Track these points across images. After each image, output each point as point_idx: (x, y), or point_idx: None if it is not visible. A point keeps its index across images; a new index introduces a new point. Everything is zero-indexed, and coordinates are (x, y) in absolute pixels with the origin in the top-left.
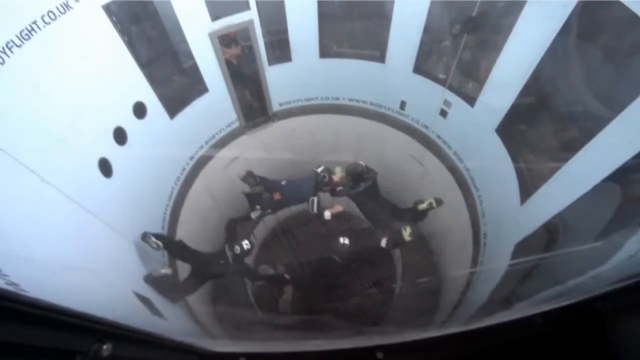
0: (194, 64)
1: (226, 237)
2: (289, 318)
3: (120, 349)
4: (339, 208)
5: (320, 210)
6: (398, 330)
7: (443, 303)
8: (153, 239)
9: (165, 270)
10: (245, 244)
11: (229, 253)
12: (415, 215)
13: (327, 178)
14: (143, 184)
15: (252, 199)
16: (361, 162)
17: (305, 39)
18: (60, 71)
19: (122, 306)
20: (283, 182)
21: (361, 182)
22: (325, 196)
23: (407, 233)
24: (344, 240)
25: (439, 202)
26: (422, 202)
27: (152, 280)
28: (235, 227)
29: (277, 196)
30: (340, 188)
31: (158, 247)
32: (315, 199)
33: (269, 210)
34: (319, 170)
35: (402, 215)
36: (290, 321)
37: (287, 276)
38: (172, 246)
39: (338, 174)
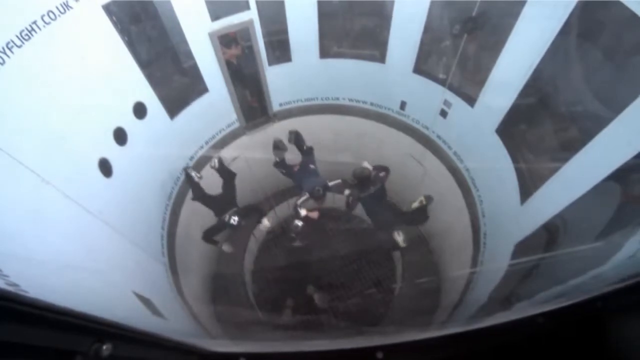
0: (194, 64)
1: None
2: (289, 318)
3: (120, 349)
4: (315, 215)
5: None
6: (398, 330)
7: (443, 303)
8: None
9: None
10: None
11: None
12: (416, 216)
13: (320, 192)
14: (143, 184)
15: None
16: (368, 166)
17: (305, 39)
18: (60, 71)
19: (122, 306)
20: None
21: (370, 185)
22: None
23: (400, 239)
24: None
25: (429, 199)
26: (413, 202)
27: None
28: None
29: (296, 169)
30: (350, 197)
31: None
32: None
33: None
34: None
35: (405, 217)
36: (290, 321)
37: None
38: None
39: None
